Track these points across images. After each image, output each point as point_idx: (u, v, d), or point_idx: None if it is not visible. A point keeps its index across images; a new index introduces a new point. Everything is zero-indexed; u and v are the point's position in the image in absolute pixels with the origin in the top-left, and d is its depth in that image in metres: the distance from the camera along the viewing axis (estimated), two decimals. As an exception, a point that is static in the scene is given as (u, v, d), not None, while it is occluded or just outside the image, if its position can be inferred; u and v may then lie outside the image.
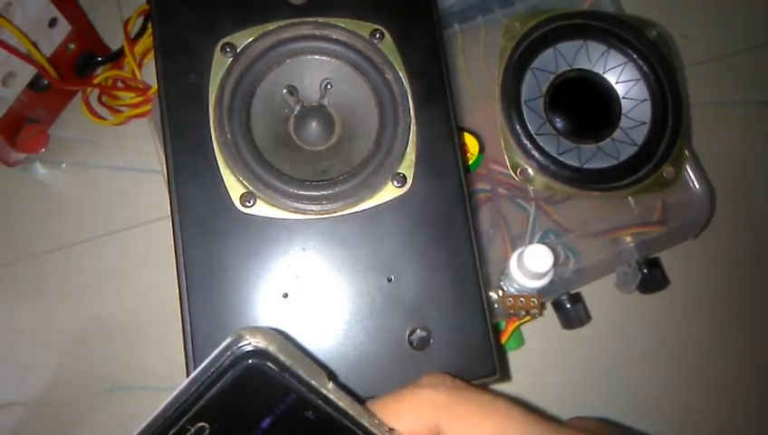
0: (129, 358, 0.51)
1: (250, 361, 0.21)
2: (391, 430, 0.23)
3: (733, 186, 0.56)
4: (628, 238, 0.48)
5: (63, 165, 0.56)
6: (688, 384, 0.53)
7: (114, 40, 0.57)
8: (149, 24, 0.57)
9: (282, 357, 0.21)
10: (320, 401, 0.21)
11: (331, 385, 0.22)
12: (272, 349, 0.21)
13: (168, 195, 0.36)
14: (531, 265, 0.41)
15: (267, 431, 0.21)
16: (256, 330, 0.21)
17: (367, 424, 0.22)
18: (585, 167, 0.46)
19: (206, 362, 0.21)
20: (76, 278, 0.53)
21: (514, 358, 0.51)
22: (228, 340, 0.21)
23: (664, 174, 0.47)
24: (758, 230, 0.57)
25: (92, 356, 0.52)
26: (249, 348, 0.21)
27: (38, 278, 0.53)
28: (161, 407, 0.21)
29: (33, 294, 0.53)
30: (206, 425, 0.21)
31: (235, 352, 0.21)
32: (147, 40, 0.56)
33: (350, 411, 0.22)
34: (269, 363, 0.21)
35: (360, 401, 0.23)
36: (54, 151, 0.55)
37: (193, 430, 0.21)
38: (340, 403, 0.22)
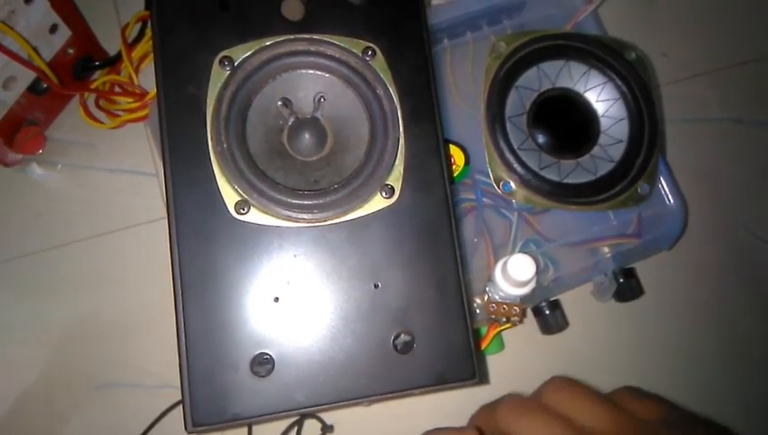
0: (122, 356, 0.52)
1: None
2: None
3: (706, 200, 0.58)
4: (606, 249, 0.50)
5: (59, 166, 0.57)
6: (662, 389, 0.55)
7: (112, 45, 0.58)
8: (147, 31, 0.58)
9: None
10: None
11: None
12: None
13: (164, 200, 0.38)
14: (514, 274, 0.42)
15: None
16: None
17: None
18: (565, 181, 0.48)
19: None
20: (69, 277, 0.54)
21: (494, 362, 0.53)
22: None
23: (639, 190, 0.48)
24: (729, 242, 0.59)
25: (84, 354, 0.53)
26: None
27: (32, 277, 0.54)
28: None
29: (27, 292, 0.54)
30: None
31: None
32: (144, 45, 0.58)
33: None
34: None
35: None
36: (51, 153, 0.56)
37: None
38: None
